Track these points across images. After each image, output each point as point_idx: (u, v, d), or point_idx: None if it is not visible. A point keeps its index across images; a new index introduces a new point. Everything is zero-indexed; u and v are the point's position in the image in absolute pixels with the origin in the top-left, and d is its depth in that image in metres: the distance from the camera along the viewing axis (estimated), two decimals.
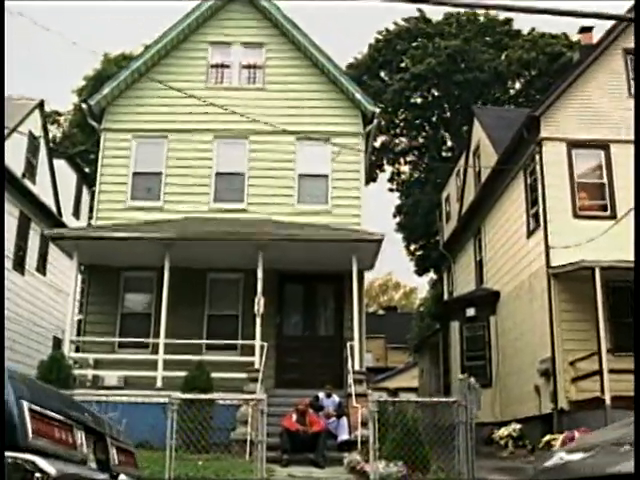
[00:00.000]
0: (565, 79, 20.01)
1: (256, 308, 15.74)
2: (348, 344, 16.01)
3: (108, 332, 17.54)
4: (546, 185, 18.96)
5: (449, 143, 41.84)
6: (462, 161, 29.52)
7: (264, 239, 15.93)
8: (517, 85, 40.39)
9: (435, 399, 8.62)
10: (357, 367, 15.42)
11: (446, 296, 31.28)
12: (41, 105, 26.46)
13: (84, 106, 18.96)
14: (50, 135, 48.57)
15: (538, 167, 19.38)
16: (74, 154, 36.57)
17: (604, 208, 18.76)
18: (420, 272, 42.44)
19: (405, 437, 8.72)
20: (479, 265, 25.84)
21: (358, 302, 16.30)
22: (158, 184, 18.78)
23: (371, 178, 38.76)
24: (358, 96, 19.00)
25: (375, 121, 18.97)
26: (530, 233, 20.13)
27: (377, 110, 19.05)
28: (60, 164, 30.01)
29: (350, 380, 15.05)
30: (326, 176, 18.85)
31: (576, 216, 18.64)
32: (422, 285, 70.08)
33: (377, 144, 40.24)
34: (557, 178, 18.90)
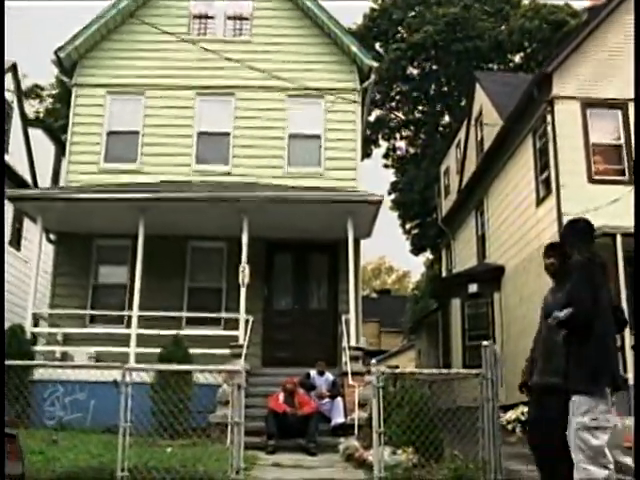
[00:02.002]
0: (577, 35, 18.38)
1: (240, 277, 14.16)
2: (343, 317, 14.47)
3: (79, 306, 15.94)
4: (558, 148, 17.37)
5: (447, 118, 40.20)
6: (462, 132, 27.91)
7: (249, 199, 14.32)
8: (517, 59, 38.72)
9: (454, 371, 7.01)
10: (353, 343, 13.86)
11: (445, 274, 29.75)
12: (14, 68, 24.70)
13: (53, 58, 17.21)
14: (32, 110, 46.94)
15: (550, 128, 17.77)
16: (55, 128, 34.81)
17: (621, 172, 17.20)
18: (416, 251, 40.86)
19: (415, 419, 7.17)
20: (481, 240, 24.29)
21: (354, 272, 14.73)
22: (134, 145, 17.13)
23: (366, 153, 37.10)
24: (354, 49, 17.34)
25: (372, 76, 17.33)
26: (540, 201, 18.55)
27: (375, 64, 17.40)
28: (38, 135, 28.33)
29: (345, 357, 13.50)
30: (319, 136, 17.24)
31: (591, 181, 17.07)
32: (416, 269, 68.88)
33: (372, 118, 38.65)
34: (570, 140, 17.31)
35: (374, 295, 70.94)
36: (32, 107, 48.73)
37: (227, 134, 17.20)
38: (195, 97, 17.42)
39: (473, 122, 26.13)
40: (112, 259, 16.72)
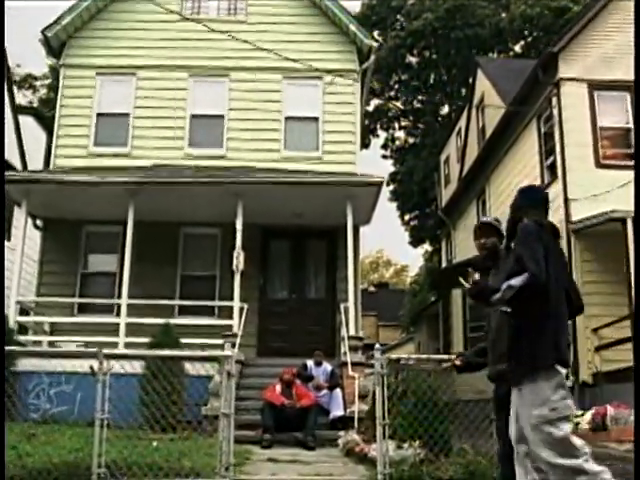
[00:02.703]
0: (585, 14, 17.72)
1: (235, 264, 13.53)
2: (342, 306, 13.84)
3: (67, 295, 15.29)
4: (565, 131, 16.74)
5: (446, 109, 39.54)
6: (463, 120, 27.28)
7: (245, 181, 13.69)
8: (518, 48, 38.04)
9: None
10: (352, 332, 13.25)
11: (445, 265, 29.13)
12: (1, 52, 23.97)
13: (41, 38, 16.53)
14: (25, 100, 46.23)
15: (556, 111, 17.14)
16: (47, 116, 34.09)
17: (630, 156, 16.56)
18: (415, 243, 40.23)
19: (423, 410, 6.54)
20: None
21: (353, 260, 14.12)
22: (125, 128, 16.48)
23: (364, 143, 36.41)
24: (353, 28, 16.69)
25: (372, 57, 16.68)
26: (545, 187, 17.88)
27: (375, 44, 16.75)
28: (28, 124, 27.65)
29: (344, 347, 12.89)
30: (316, 119, 16.59)
31: (599, 165, 16.46)
32: (414, 262, 68.36)
33: (370, 108, 37.99)
34: (577, 123, 16.69)
35: (372, 289, 70.35)
36: (25, 97, 48.10)
37: (221, 117, 16.56)
38: (188, 78, 16.77)
39: (474, 109, 25.49)
40: (102, 246, 16.09)
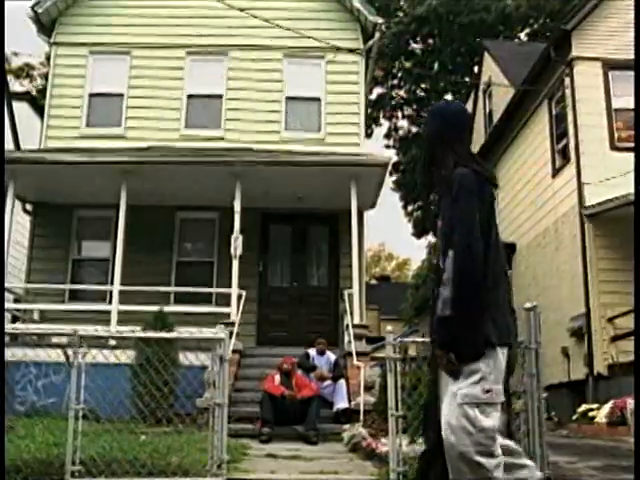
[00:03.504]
0: None
1: (233, 248, 12.84)
2: (346, 293, 13.14)
3: (57, 282, 14.60)
4: (578, 113, 16.04)
5: (449, 98, 38.73)
6: (469, 106, 26.53)
7: (244, 162, 12.99)
8: (523, 35, 37.25)
9: None
10: (357, 320, 12.55)
11: None
12: None
13: (30, 14, 15.80)
14: (22, 90, 45.52)
15: (568, 92, 16.43)
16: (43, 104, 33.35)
17: None
18: (418, 234, 39.48)
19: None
20: None
21: (358, 245, 13.41)
22: (119, 108, 15.76)
23: (367, 134, 35.60)
24: (357, 4, 15.93)
25: (377, 34, 15.92)
26: (556, 172, 17.23)
27: (380, 20, 15.99)
28: (24, 111, 26.96)
29: (349, 336, 12.21)
30: (319, 99, 15.86)
31: (613, 148, 15.76)
32: (416, 256, 67.76)
33: (373, 97, 37.24)
34: (591, 104, 15.98)
35: (374, 282, 69.65)
36: (23, 87, 47.41)
37: (219, 96, 15.83)
38: (185, 57, 16.03)
39: (481, 93, 24.77)
40: (94, 231, 15.41)
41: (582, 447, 9.75)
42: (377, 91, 38.40)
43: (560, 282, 16.73)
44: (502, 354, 3.43)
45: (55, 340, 12.97)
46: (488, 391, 3.30)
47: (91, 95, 15.83)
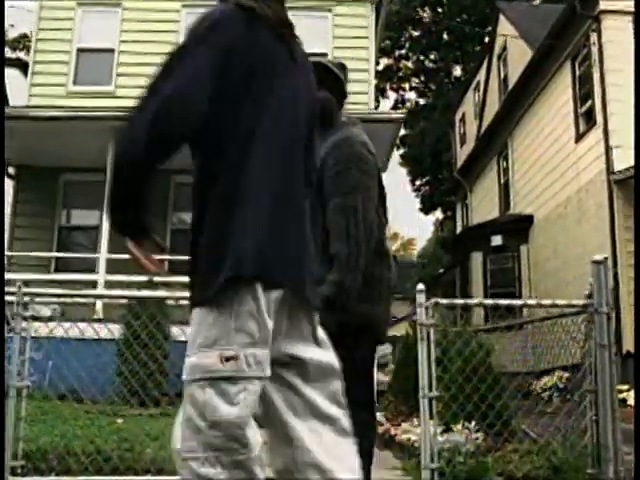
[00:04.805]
0: None
1: None
2: None
3: (42, 251, 13.50)
4: (606, 71, 14.84)
5: (458, 71, 37.49)
6: (482, 73, 25.29)
7: None
8: (538, 1, 35.88)
9: (547, 302, 4.50)
10: None
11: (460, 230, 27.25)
12: None
13: None
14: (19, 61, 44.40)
15: (595, 49, 15.21)
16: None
17: None
18: (426, 210, 38.30)
19: (473, 378, 4.70)
20: (504, 188, 21.81)
21: None
22: (108, 64, 14.58)
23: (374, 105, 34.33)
24: None
25: None
26: (580, 136, 16.04)
27: None
28: (15, 77, 25.90)
29: None
30: (325, 55, 14.63)
31: None
32: (421, 235, 66.76)
33: (380, 67, 35.94)
34: (620, 62, 14.73)
35: None
36: (19, 61, 46.32)
37: None
38: (181, 9, 14.84)
39: (495, 60, 23.51)
40: (82, 197, 14.24)
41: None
42: (384, 62, 37.12)
43: (584, 255, 15.53)
44: (268, 297, 2.07)
45: (34, 313, 11.90)
46: (230, 359, 2.00)
47: (79, 50, 14.66)
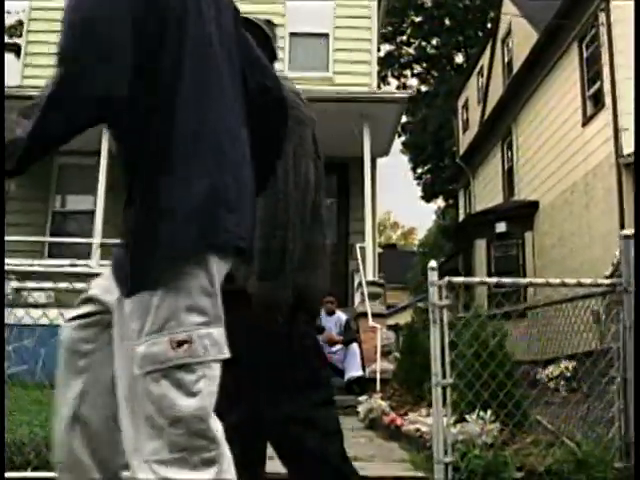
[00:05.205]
0: None
1: None
2: (357, 246, 11.64)
3: (35, 235, 13.15)
4: (615, 51, 14.43)
5: (460, 58, 37.03)
6: (485, 58, 24.86)
7: None
8: None
9: (572, 281, 4.12)
10: (371, 277, 11.04)
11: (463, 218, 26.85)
12: None
13: None
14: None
15: (604, 29, 14.80)
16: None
17: None
18: (427, 198, 37.92)
19: (490, 364, 4.32)
20: (508, 174, 21.42)
21: (371, 193, 11.88)
22: None
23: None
24: None
25: None
26: (588, 120, 15.63)
27: None
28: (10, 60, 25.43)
29: (359, 296, 10.72)
30: (326, 35, 14.24)
31: None
32: (422, 224, 66.48)
33: (381, 54, 35.46)
34: (629, 42, 14.31)
35: (379, 250, 68.20)
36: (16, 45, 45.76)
37: None
38: None
39: (499, 44, 23.09)
40: (77, 181, 13.87)
41: None
42: (385, 48, 36.67)
43: (591, 241, 15.20)
44: (220, 268, 1.75)
45: (30, 300, 11.55)
46: (182, 343, 1.67)
47: None
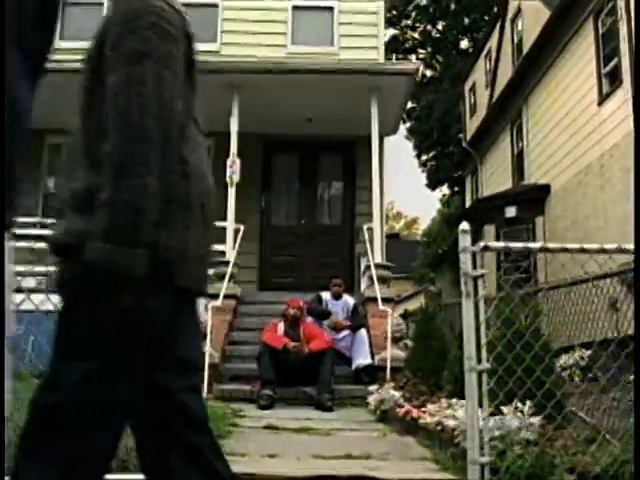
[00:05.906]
0: None
1: (228, 173, 10.75)
2: (365, 227, 11.02)
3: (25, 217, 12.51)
4: (634, 25, 13.72)
5: (465, 43, 36.29)
6: (494, 39, 24.15)
7: (242, 69, 10.85)
8: None
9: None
10: (379, 259, 10.40)
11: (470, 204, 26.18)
12: None
13: None
14: None
15: (622, 3, 14.10)
16: None
17: None
18: (432, 186, 37.19)
19: (528, 349, 3.68)
20: (518, 158, 20.74)
21: (379, 173, 11.25)
22: (98, 17, 13.48)
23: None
24: None
25: None
26: (604, 98, 14.95)
27: None
28: None
29: (369, 279, 10.08)
30: (331, 8, 13.57)
31: None
32: (425, 214, 65.84)
33: (386, 38, 34.74)
34: None
35: None
36: None
37: (215, 6, 13.55)
38: None
39: (508, 24, 22.39)
40: None
41: None
42: (390, 32, 35.93)
43: (606, 225, 14.55)
44: None
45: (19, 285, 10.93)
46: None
47: (66, 4, 13.59)
